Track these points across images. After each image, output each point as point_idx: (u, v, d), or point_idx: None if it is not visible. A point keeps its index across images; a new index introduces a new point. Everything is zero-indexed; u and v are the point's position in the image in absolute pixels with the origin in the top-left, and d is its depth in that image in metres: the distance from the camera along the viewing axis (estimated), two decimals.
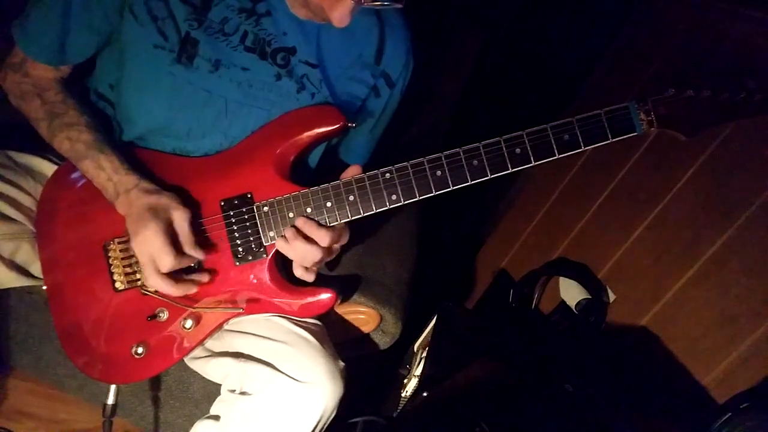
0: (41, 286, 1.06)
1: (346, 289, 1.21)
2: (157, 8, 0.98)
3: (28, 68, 1.05)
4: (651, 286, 1.35)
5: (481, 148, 0.96)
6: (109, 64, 1.08)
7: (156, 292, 1.00)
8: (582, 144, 0.95)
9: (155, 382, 1.22)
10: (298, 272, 1.03)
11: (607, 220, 1.54)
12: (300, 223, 0.99)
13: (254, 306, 1.03)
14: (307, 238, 0.99)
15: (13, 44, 1.04)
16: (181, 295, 0.98)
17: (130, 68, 1.03)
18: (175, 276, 0.97)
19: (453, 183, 0.97)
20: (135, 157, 1.04)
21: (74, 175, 1.06)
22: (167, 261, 0.93)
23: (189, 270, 1.01)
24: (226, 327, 1.07)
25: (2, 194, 1.03)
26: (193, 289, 0.99)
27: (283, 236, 1.00)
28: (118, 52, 1.04)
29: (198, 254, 0.98)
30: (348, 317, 1.23)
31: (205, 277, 1.01)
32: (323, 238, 0.98)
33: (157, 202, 0.95)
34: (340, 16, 0.93)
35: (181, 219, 0.96)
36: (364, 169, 1.00)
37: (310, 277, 1.03)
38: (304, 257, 1.00)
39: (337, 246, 1.03)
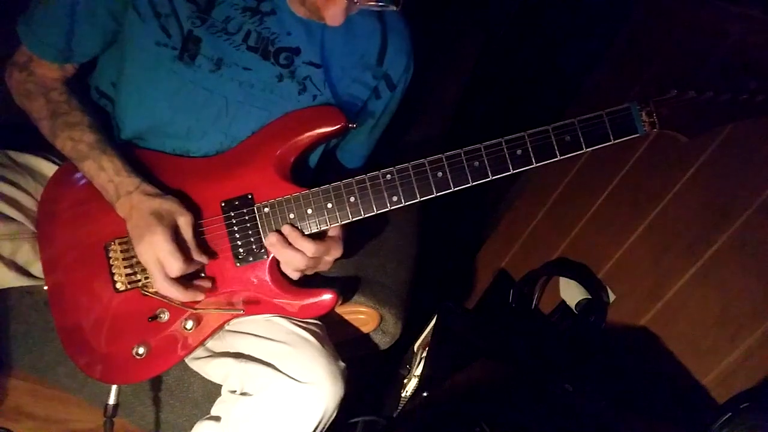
0: (41, 286, 1.06)
1: (346, 289, 1.21)
2: (161, 5, 0.98)
3: (34, 67, 1.05)
4: (651, 286, 1.35)
5: (482, 149, 0.96)
6: (112, 62, 1.08)
7: (156, 293, 1.00)
8: (584, 145, 0.95)
9: (156, 382, 1.22)
10: (287, 270, 1.03)
11: (607, 220, 1.54)
12: (286, 231, 1.00)
13: (255, 307, 1.03)
14: (293, 246, 0.99)
15: (18, 43, 1.04)
16: (189, 300, 0.98)
17: (132, 65, 1.03)
18: (183, 281, 0.97)
19: (454, 184, 0.97)
20: (135, 158, 1.03)
21: (75, 176, 1.06)
22: (177, 266, 0.93)
23: (192, 273, 1.00)
24: (226, 327, 1.07)
25: (2, 194, 1.03)
26: (200, 296, 0.99)
27: (269, 243, 1.00)
28: (120, 50, 1.04)
29: (204, 259, 0.99)
30: (348, 317, 1.23)
31: (208, 283, 1.01)
32: (308, 248, 0.99)
33: (161, 206, 0.95)
34: (333, 14, 0.93)
35: (186, 225, 0.96)
36: (363, 171, 1.00)
37: (294, 276, 1.04)
38: (288, 262, 1.01)
39: (328, 258, 1.03)
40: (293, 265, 1.01)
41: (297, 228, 1.00)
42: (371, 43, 1.12)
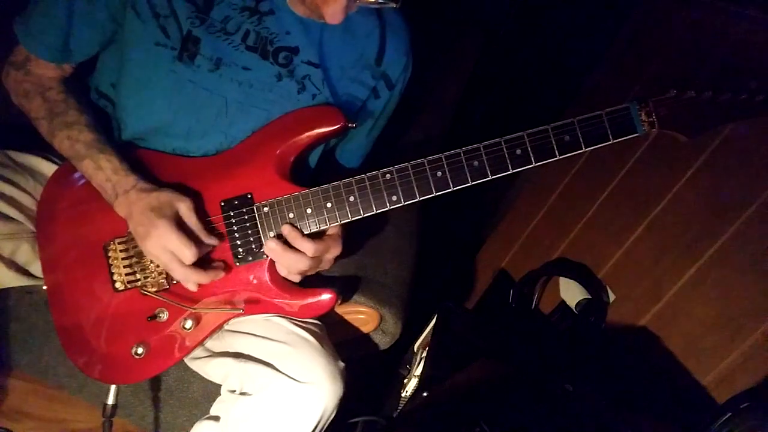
0: (41, 286, 1.06)
1: (346, 289, 1.21)
2: (160, 5, 0.98)
3: (31, 66, 1.05)
4: (651, 286, 1.35)
5: (481, 149, 0.96)
6: (111, 63, 1.08)
7: (156, 292, 1.00)
8: (583, 145, 0.95)
9: (155, 382, 1.22)
10: (283, 272, 1.03)
11: (607, 220, 1.54)
12: (285, 231, 1.00)
13: (254, 306, 1.03)
14: (294, 248, 0.99)
15: (15, 43, 1.04)
16: (212, 280, 0.99)
17: (131, 66, 1.03)
18: (200, 265, 0.97)
19: (453, 184, 0.97)
20: (135, 158, 1.04)
21: (74, 175, 1.06)
22: (190, 253, 0.93)
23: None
24: (226, 327, 1.07)
25: (2, 194, 1.03)
26: (220, 275, 1.00)
27: (270, 240, 1.00)
28: (119, 50, 1.04)
29: (213, 241, 0.99)
30: (348, 317, 1.23)
31: (221, 264, 1.01)
32: (309, 248, 0.99)
33: (158, 199, 0.95)
34: (333, 12, 0.93)
35: (187, 210, 0.96)
36: (362, 170, 1.00)
37: (295, 278, 1.04)
38: (290, 266, 1.01)
39: (328, 257, 1.03)
40: (296, 268, 1.00)
41: (296, 227, 1.00)
42: (370, 42, 1.12)
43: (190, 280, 0.97)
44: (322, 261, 1.03)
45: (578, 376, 1.20)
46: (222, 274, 1.00)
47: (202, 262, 0.97)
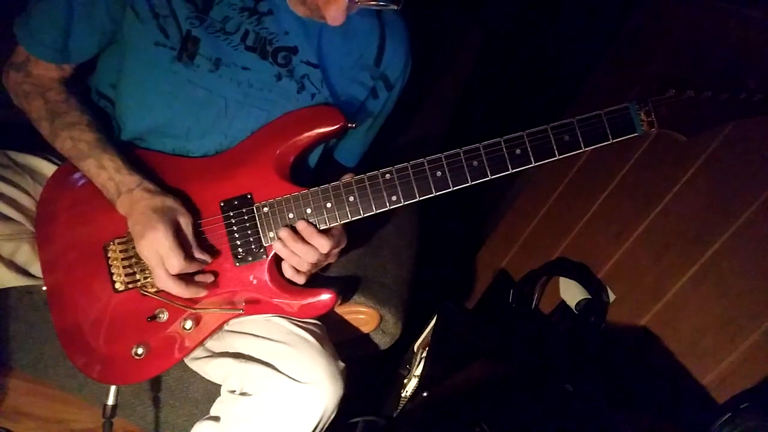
0: (41, 286, 1.06)
1: (346, 289, 1.21)
2: (159, 6, 0.98)
3: (31, 67, 1.05)
4: (651, 286, 1.35)
5: (481, 148, 0.96)
6: (111, 63, 1.08)
7: (156, 292, 1.00)
8: (582, 145, 0.95)
9: (155, 382, 1.22)
10: (289, 273, 1.03)
11: (607, 220, 1.54)
12: (301, 227, 1.00)
13: (254, 307, 1.03)
14: (306, 242, 0.99)
15: (15, 44, 1.04)
16: (191, 296, 0.98)
17: (131, 66, 1.03)
18: (185, 278, 0.97)
19: (453, 184, 0.97)
20: (135, 158, 1.04)
21: (74, 176, 1.06)
22: (177, 263, 0.93)
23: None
24: (226, 327, 1.07)
25: (2, 194, 1.03)
26: (202, 292, 0.99)
27: (279, 239, 1.00)
28: (119, 51, 1.04)
29: (206, 258, 0.99)
30: (348, 317, 1.23)
31: (209, 279, 1.01)
32: (324, 245, 0.99)
33: (162, 204, 0.95)
34: (334, 14, 0.93)
35: (186, 225, 0.97)
36: (357, 170, 1.00)
37: (300, 279, 1.03)
38: (300, 261, 1.01)
39: (336, 251, 1.04)
40: (306, 260, 1.00)
41: (312, 224, 1.00)
42: (369, 43, 1.12)
43: (171, 290, 0.96)
44: (329, 255, 1.03)
45: (578, 376, 1.20)
46: (205, 293, 1.00)
47: (190, 275, 0.98)
